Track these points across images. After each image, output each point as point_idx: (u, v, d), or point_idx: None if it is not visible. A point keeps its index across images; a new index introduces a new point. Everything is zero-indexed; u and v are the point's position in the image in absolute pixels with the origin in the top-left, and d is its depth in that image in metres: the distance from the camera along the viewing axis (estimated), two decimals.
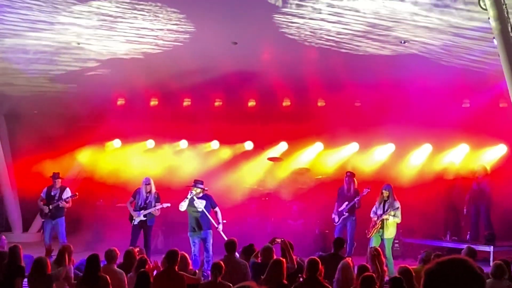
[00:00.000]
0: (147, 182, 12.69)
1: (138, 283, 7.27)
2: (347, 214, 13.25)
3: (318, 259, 7.51)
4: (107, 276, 7.69)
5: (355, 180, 13.47)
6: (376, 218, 11.84)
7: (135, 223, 12.49)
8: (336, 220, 13.33)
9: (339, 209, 13.30)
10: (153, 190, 12.68)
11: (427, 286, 2.59)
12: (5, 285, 8.19)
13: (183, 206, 11.76)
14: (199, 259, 11.50)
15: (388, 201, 11.85)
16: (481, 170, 13.92)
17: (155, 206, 12.47)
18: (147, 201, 12.56)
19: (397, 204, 11.81)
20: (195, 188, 11.80)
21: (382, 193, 11.96)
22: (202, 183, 12.00)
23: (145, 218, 12.46)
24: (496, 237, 12.90)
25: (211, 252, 11.56)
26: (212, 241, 11.66)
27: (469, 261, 2.60)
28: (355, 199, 13.15)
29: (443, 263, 2.59)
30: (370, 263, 8.44)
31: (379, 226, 11.77)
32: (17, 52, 11.50)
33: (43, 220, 13.23)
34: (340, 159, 15.56)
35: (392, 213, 11.70)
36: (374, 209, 12.00)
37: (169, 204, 12.61)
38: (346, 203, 13.26)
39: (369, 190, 13.16)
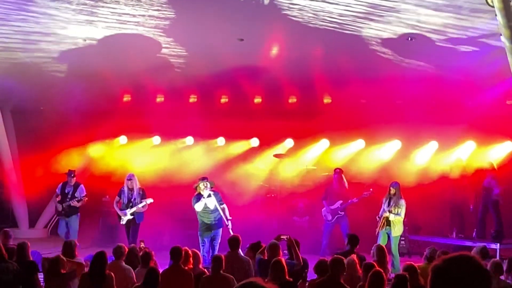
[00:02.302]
0: (128, 178, 12.60)
1: (147, 279, 7.27)
2: (342, 213, 13.40)
3: (343, 258, 7.46)
4: (113, 275, 7.71)
5: (343, 176, 13.60)
6: (381, 217, 11.90)
7: (123, 223, 12.46)
8: (329, 218, 13.51)
9: (332, 207, 13.45)
10: (136, 186, 12.58)
11: (434, 283, 2.59)
12: (16, 282, 8.20)
13: (200, 205, 11.65)
14: (207, 257, 11.50)
15: (393, 198, 11.89)
16: (488, 167, 13.89)
17: (140, 203, 12.42)
18: (131, 199, 12.49)
19: (402, 202, 11.86)
20: (207, 184, 11.70)
21: (389, 190, 12.01)
22: (207, 179, 11.97)
23: (132, 216, 12.42)
24: (503, 234, 12.88)
25: (217, 250, 11.56)
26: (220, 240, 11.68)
27: (475, 258, 2.61)
28: (354, 199, 13.29)
29: (450, 260, 2.59)
30: (376, 259, 8.50)
31: (384, 223, 11.82)
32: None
33: (58, 217, 13.32)
34: (346, 156, 15.55)
35: (394, 211, 11.74)
36: (382, 204, 12.06)
37: (151, 200, 12.52)
38: (341, 201, 13.42)
39: (371, 192, 13.23)
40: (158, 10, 9.52)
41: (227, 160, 15.76)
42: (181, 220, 14.29)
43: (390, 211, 11.73)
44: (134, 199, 12.45)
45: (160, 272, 8.53)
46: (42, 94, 15.13)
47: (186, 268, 8.23)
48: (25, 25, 10.33)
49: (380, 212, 12.03)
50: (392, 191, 11.95)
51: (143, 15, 9.77)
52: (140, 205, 12.35)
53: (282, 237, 8.96)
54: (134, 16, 9.82)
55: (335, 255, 7.57)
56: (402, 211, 11.81)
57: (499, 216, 13.37)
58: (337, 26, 9.90)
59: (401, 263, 11.22)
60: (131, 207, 12.39)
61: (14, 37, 11.09)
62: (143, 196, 12.51)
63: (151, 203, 12.54)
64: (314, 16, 9.47)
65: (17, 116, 17.06)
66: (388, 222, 11.81)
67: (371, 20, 9.53)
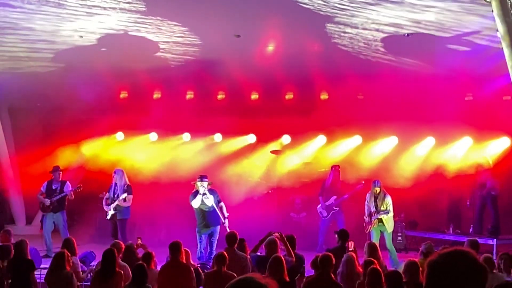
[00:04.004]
0: (113, 172, 12.63)
1: (135, 275, 7.28)
2: (337, 208, 13.41)
3: (332, 255, 7.48)
4: (122, 272, 7.72)
5: (340, 173, 13.66)
6: (369, 216, 11.91)
7: (108, 218, 12.46)
8: (325, 214, 13.53)
9: (327, 203, 13.47)
10: (122, 182, 12.54)
11: (430, 278, 2.60)
12: (15, 279, 8.20)
13: (197, 202, 11.65)
14: (204, 254, 11.51)
15: (379, 197, 11.92)
16: (484, 163, 13.91)
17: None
18: (115, 194, 12.49)
19: (388, 198, 11.91)
20: (203, 183, 11.73)
21: (375, 190, 11.99)
22: (206, 177, 11.97)
23: (114, 212, 12.42)
24: (499, 230, 12.92)
25: (215, 247, 11.56)
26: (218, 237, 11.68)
27: (471, 253, 2.61)
28: (346, 195, 13.32)
29: (446, 255, 2.60)
30: (368, 256, 8.51)
31: (377, 222, 11.85)
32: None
33: (43, 214, 13.26)
34: (343, 152, 15.55)
35: (383, 208, 11.80)
36: (366, 202, 12.08)
37: (129, 196, 12.44)
38: (335, 197, 13.45)
39: (363, 184, 13.26)
40: (129, 3, 9.29)
41: (224, 157, 15.74)
42: (178, 217, 14.28)
43: (384, 212, 11.78)
44: (117, 194, 12.43)
45: (159, 267, 8.58)
46: (39, 91, 15.09)
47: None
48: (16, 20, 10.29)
49: (366, 211, 12.04)
50: (377, 190, 11.96)
51: (114, 8, 9.53)
52: (117, 201, 12.32)
53: (273, 234, 8.88)
54: (104, 9, 9.57)
55: (325, 252, 7.57)
56: (390, 207, 11.86)
57: (497, 212, 13.41)
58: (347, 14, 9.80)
59: (398, 259, 11.30)
60: (114, 202, 12.39)
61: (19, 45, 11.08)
62: (128, 192, 12.46)
63: (130, 199, 12.46)
64: (324, 3, 9.32)
65: (14, 114, 17.03)
66: (380, 220, 11.86)
67: (379, 5, 9.42)
